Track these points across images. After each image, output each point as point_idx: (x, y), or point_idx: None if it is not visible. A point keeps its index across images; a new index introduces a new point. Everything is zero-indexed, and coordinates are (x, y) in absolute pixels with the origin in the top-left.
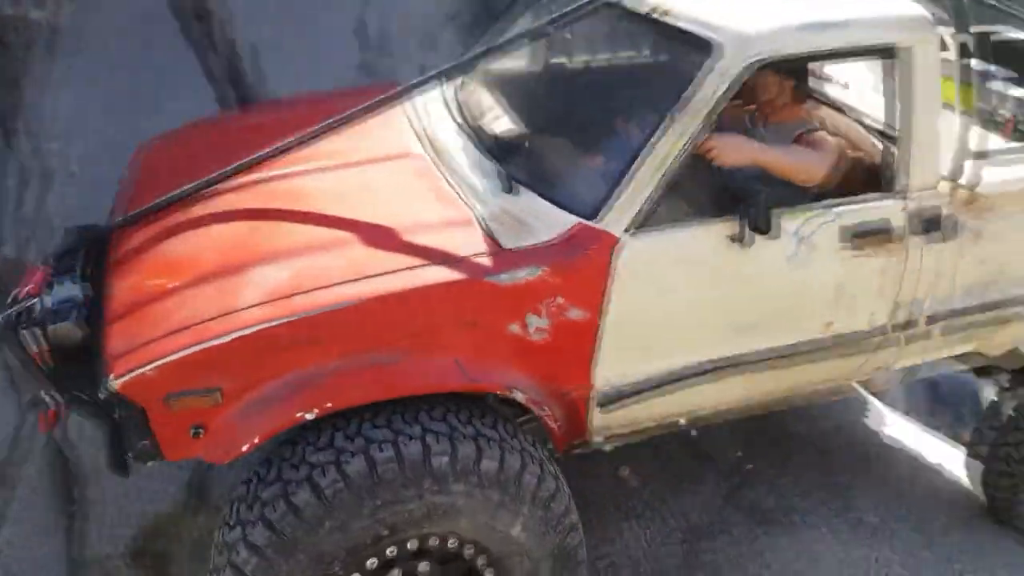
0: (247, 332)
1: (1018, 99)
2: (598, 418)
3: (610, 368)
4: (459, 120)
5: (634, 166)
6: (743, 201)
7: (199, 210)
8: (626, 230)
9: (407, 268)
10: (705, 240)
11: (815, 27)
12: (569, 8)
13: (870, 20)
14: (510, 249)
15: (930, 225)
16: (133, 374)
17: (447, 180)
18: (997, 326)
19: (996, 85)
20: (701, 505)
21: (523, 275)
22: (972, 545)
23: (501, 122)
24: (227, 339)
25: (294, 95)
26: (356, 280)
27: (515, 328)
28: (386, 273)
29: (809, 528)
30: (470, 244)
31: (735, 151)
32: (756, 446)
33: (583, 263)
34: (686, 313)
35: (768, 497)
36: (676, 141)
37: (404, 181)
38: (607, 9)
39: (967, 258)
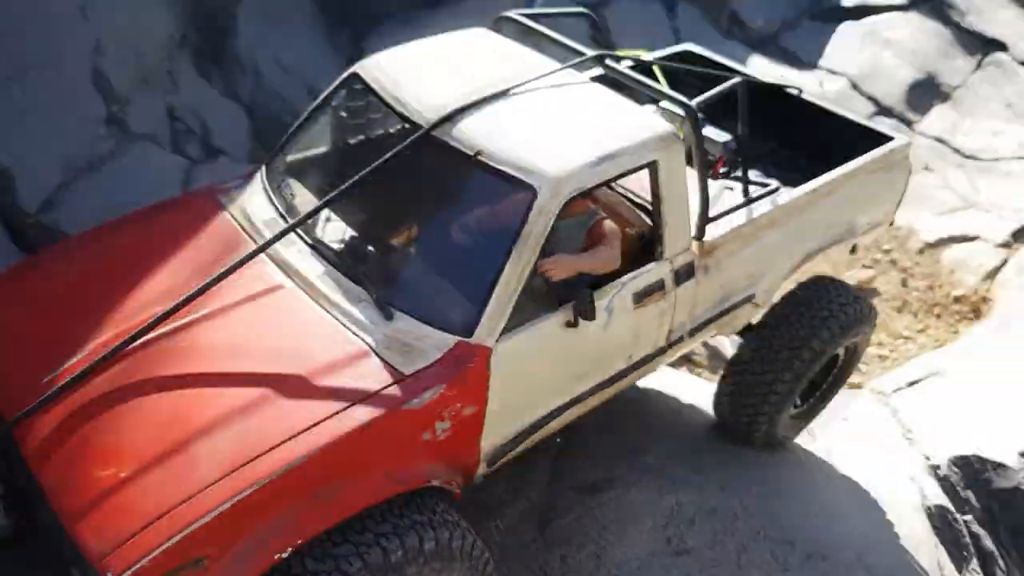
0: (224, 507)
1: (723, 142)
2: (484, 468)
3: (494, 436)
4: (308, 240)
5: (495, 292)
6: (573, 298)
7: (103, 385)
8: (496, 340)
9: (334, 414)
10: (550, 330)
11: (603, 160)
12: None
13: (636, 146)
14: (411, 375)
15: (686, 274)
16: (131, 569)
17: (327, 312)
18: (730, 319)
19: (706, 131)
20: (539, 489)
21: (428, 395)
22: (737, 467)
23: (349, 238)
24: (208, 518)
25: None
26: (296, 436)
27: (427, 435)
28: (318, 423)
29: (626, 489)
30: (377, 377)
31: (562, 268)
32: (570, 429)
33: (470, 374)
34: (542, 381)
35: (592, 471)
36: (522, 268)
37: (289, 320)
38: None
39: (709, 286)
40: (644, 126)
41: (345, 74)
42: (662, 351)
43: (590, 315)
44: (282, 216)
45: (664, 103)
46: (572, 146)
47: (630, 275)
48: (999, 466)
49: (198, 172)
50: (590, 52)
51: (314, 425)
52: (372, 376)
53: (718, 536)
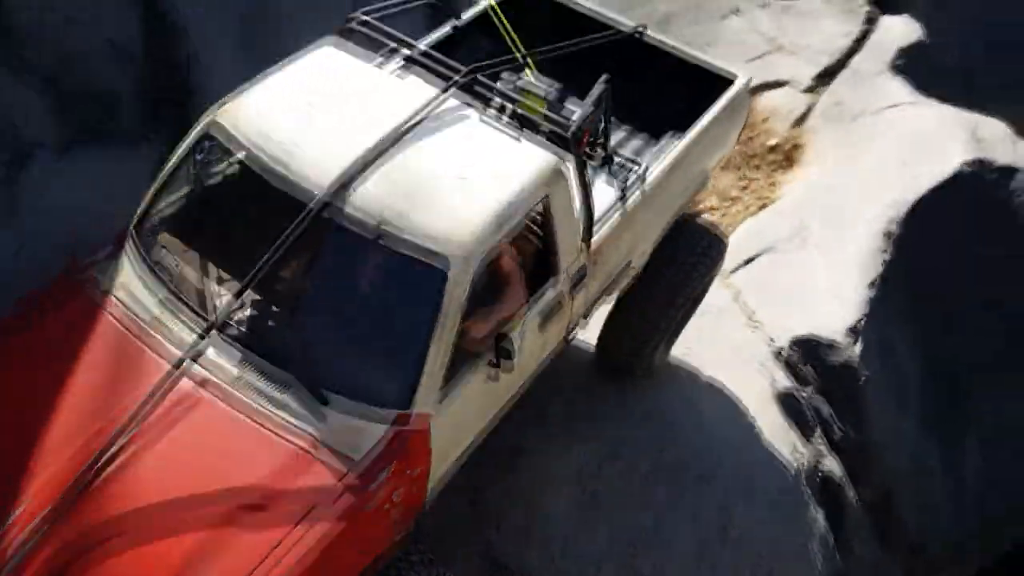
0: None
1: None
2: (431, 498)
3: (438, 475)
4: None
5: (426, 364)
6: (494, 348)
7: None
8: (433, 404)
9: (306, 522)
10: (477, 381)
11: (503, 218)
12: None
13: (530, 188)
14: (363, 462)
15: (579, 278)
16: None
17: (259, 406)
18: (613, 287)
19: (569, 104)
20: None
21: (383, 475)
22: (624, 408)
23: (257, 318)
24: None
25: None
26: (276, 550)
27: (387, 505)
28: (298, 540)
29: (539, 454)
30: (332, 471)
31: (485, 326)
32: None
33: (414, 443)
34: (474, 416)
35: (507, 440)
36: (447, 338)
37: (221, 426)
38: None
39: (597, 276)
40: (531, 165)
41: (199, 128)
42: (565, 343)
43: (512, 358)
44: (175, 295)
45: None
46: (469, 205)
47: (532, 301)
48: (832, 344)
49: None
50: (458, 67)
51: (294, 544)
52: (329, 471)
53: (623, 476)
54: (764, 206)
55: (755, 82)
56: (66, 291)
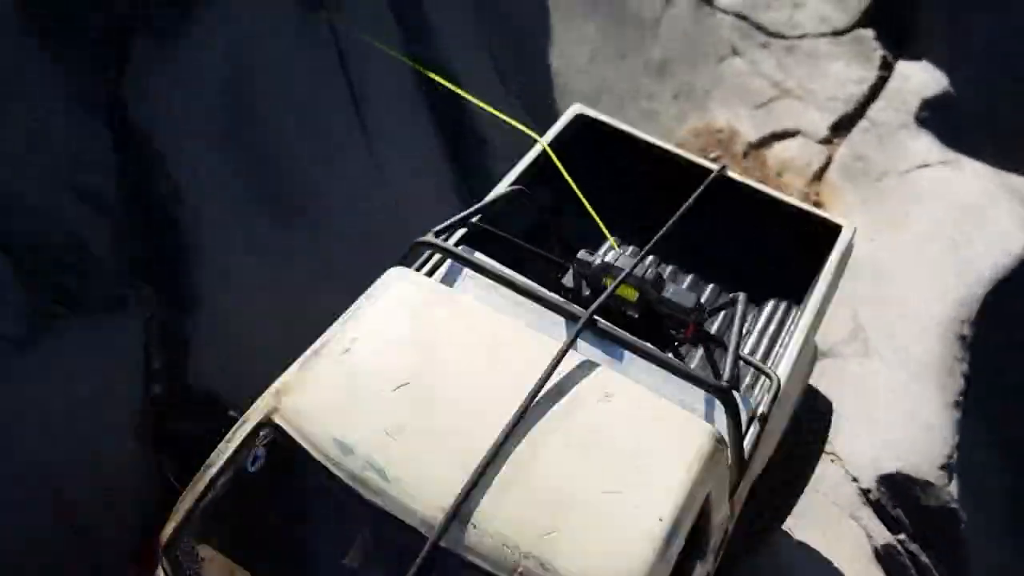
0: None
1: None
2: None
3: None
4: None
5: None
6: None
7: None
8: None
9: None
10: None
11: (669, 540)
12: None
13: (694, 492)
14: None
15: (723, 541)
16: None
17: None
18: None
19: (670, 290)
20: None
21: None
22: None
23: None
24: None
25: None
26: None
27: None
28: None
29: None
30: None
31: None
32: None
33: None
34: None
35: None
36: None
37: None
38: None
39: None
40: (691, 450)
41: (252, 420)
42: None
43: None
44: None
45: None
46: (626, 530)
47: None
48: (926, 484)
49: None
50: (577, 312)
51: None
52: None
53: None
54: None
55: (764, 131)
56: None
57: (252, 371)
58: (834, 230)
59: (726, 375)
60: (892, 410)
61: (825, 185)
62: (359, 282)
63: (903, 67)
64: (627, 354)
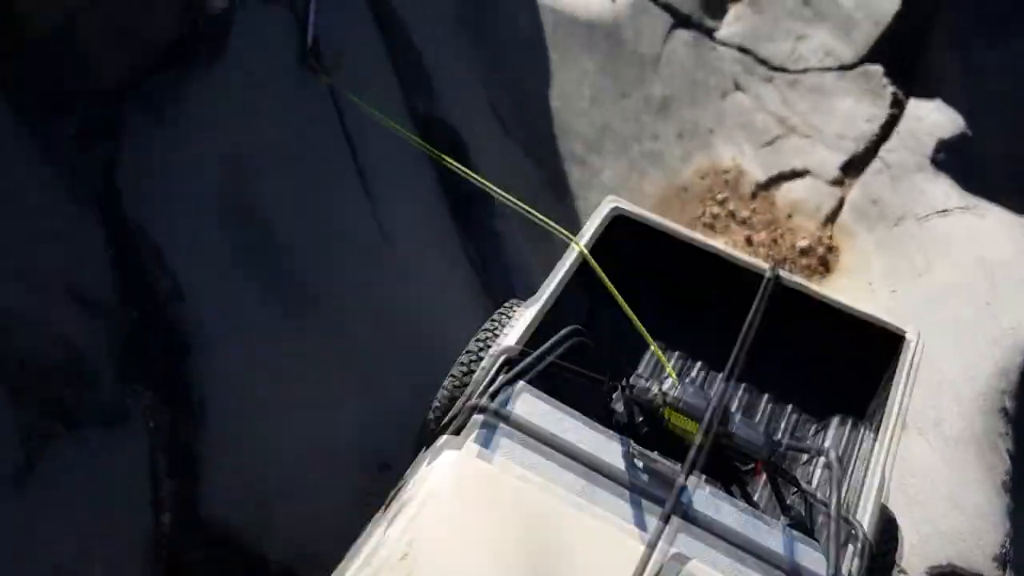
0: None
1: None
2: None
3: None
4: None
5: None
6: None
7: None
8: None
9: None
10: None
11: None
12: None
13: None
14: None
15: None
16: None
17: None
18: None
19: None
20: None
21: None
22: None
23: None
24: None
25: None
26: None
27: None
28: None
29: None
30: None
31: None
32: None
33: None
34: None
35: None
36: None
37: None
38: None
39: None
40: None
41: None
42: None
43: None
44: None
45: None
46: None
47: None
48: None
49: None
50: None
51: None
52: None
53: None
54: None
55: (772, 171)
56: None
57: (267, 490)
58: (896, 337)
59: (830, 553)
60: (936, 493)
61: (838, 229)
62: (376, 372)
63: (915, 106)
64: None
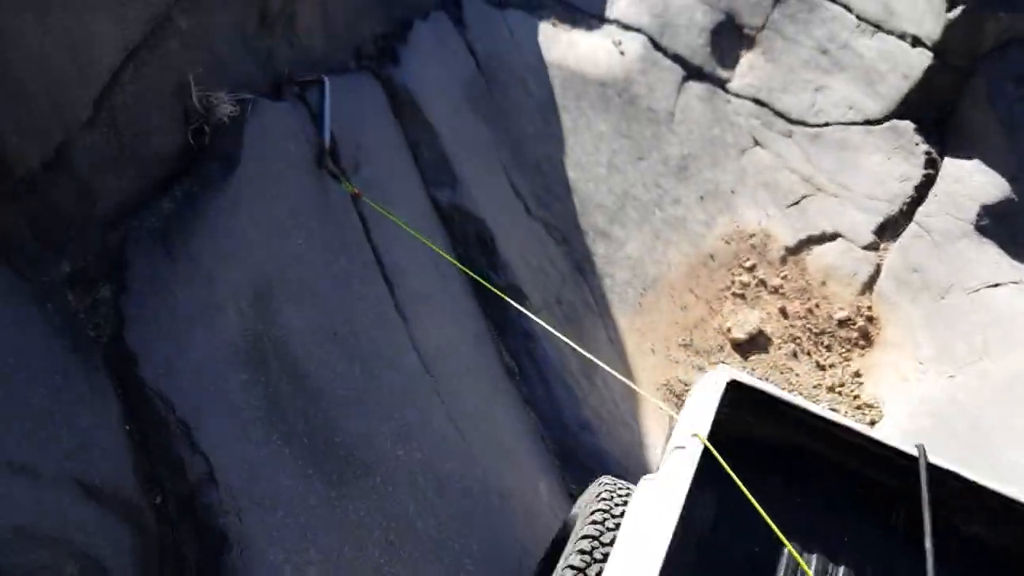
0: None
1: None
2: None
3: None
4: None
5: None
6: None
7: None
8: None
9: None
10: None
11: None
12: None
13: None
14: None
15: None
16: None
17: None
18: None
19: None
20: None
21: None
22: None
23: None
24: None
25: None
26: None
27: None
28: None
29: None
30: None
31: None
32: None
33: None
34: None
35: None
36: None
37: None
38: None
39: None
40: None
41: None
42: None
43: None
44: None
45: None
46: None
47: None
48: None
49: None
50: None
51: None
52: None
53: None
54: (860, 408)
55: (801, 234)
56: None
57: None
58: None
59: None
60: None
61: (878, 299)
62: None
63: (952, 166)
64: None
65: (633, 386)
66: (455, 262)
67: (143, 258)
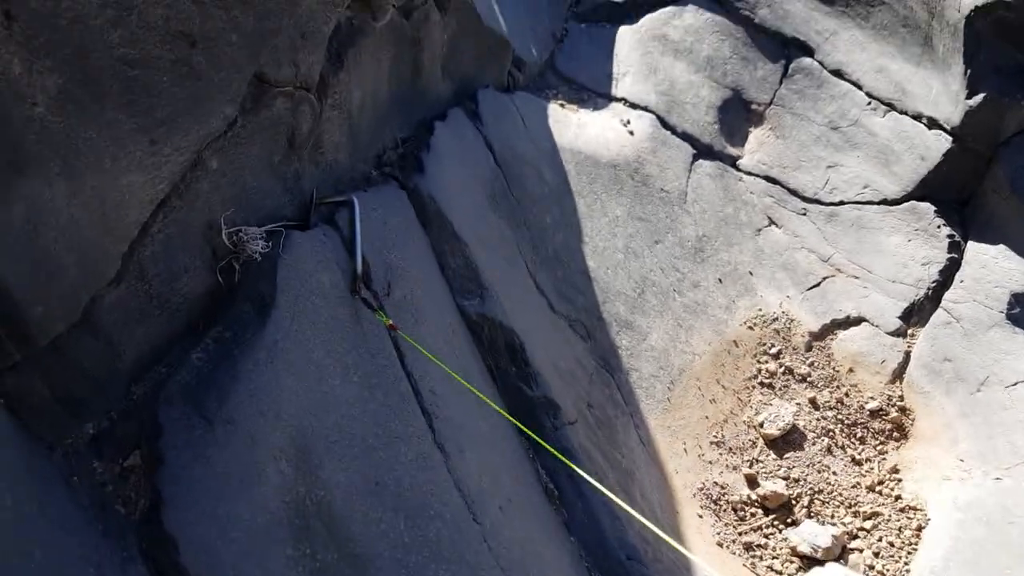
0: None
1: None
2: None
3: None
4: None
5: None
6: None
7: None
8: None
9: None
10: None
11: None
12: None
13: None
14: None
15: None
16: None
17: None
18: None
19: None
20: None
21: None
22: None
23: None
24: None
25: None
26: None
27: None
28: None
29: None
30: None
31: None
32: None
33: None
34: None
35: None
36: None
37: None
38: None
39: None
40: None
41: None
42: None
43: None
44: None
45: None
46: None
47: None
48: None
49: None
50: None
51: None
52: None
53: None
54: (903, 511)
55: (824, 318)
56: None
57: None
58: None
59: None
60: None
61: (908, 388)
62: None
63: (978, 251)
64: None
65: (681, 548)
66: (502, 411)
67: (176, 422)
